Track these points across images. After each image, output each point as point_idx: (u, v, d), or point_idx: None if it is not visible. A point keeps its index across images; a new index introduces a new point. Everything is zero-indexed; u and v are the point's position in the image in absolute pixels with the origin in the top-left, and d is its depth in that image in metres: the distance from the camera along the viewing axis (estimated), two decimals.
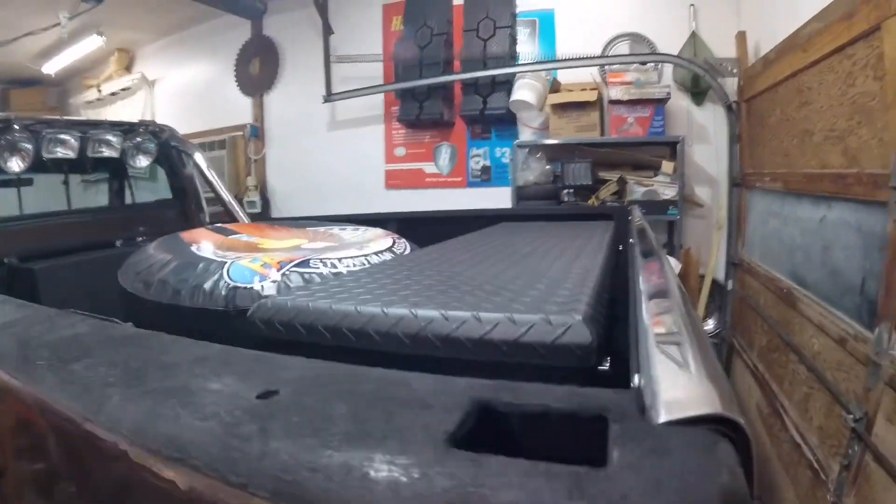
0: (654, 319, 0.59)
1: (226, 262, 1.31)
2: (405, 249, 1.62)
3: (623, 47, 3.91)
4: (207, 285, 1.24)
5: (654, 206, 3.46)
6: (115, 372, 0.58)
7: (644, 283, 0.77)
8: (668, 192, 3.44)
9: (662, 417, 0.38)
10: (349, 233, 1.84)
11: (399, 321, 0.73)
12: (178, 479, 0.41)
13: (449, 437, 0.39)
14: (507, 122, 4.21)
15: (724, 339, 3.34)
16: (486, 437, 0.42)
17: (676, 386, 0.42)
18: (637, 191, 3.52)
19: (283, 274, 1.26)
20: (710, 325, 3.55)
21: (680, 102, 3.71)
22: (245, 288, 1.22)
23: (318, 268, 1.32)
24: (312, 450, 0.39)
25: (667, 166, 3.42)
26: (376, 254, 1.51)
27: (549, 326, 0.65)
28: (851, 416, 1.67)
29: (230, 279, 1.25)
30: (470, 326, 0.69)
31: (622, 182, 3.53)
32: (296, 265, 1.30)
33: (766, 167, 2.80)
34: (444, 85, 4.35)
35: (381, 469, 0.36)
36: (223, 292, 1.22)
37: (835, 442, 1.81)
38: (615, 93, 3.52)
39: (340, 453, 0.39)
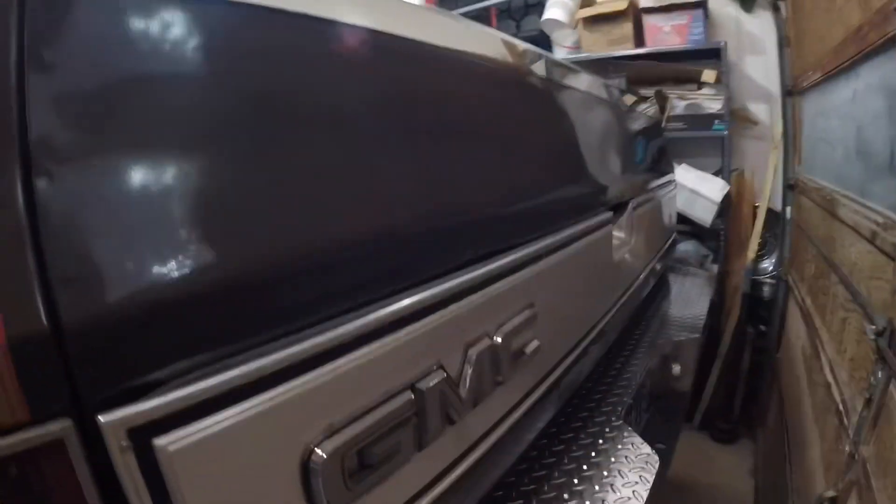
0: None
1: None
2: None
3: None
4: None
5: (697, 121, 2.97)
6: None
7: None
8: (714, 106, 2.91)
9: None
10: None
11: None
12: None
13: None
14: (543, 45, 3.81)
15: (780, 278, 2.78)
16: None
17: None
18: (678, 105, 3.00)
19: None
20: (767, 264, 2.98)
21: (726, 10, 3.11)
22: None
23: None
24: None
25: (708, 75, 2.88)
26: None
27: None
28: (873, 328, 1.19)
29: None
30: None
31: (661, 97, 3.02)
32: None
33: (810, 62, 2.25)
34: (480, 13, 4.03)
35: None
36: None
37: (863, 374, 1.33)
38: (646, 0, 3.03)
39: None
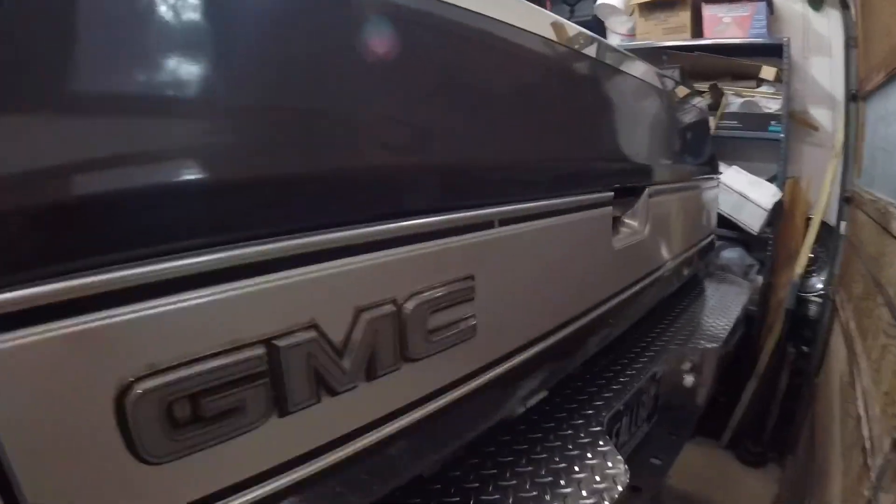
0: None
1: None
2: None
3: None
4: None
5: (752, 121, 2.80)
6: None
7: None
8: (771, 106, 2.71)
9: None
10: None
11: None
12: None
13: None
14: (596, 31, 3.65)
15: (827, 296, 2.57)
16: None
17: None
18: (734, 102, 2.82)
19: None
20: (815, 280, 2.76)
21: (792, 5, 2.89)
22: None
23: None
24: None
25: (767, 71, 2.68)
26: None
27: None
28: None
29: None
30: None
31: (716, 92, 2.83)
32: None
33: (875, 63, 2.04)
34: None
35: None
36: None
37: None
38: None
39: None
